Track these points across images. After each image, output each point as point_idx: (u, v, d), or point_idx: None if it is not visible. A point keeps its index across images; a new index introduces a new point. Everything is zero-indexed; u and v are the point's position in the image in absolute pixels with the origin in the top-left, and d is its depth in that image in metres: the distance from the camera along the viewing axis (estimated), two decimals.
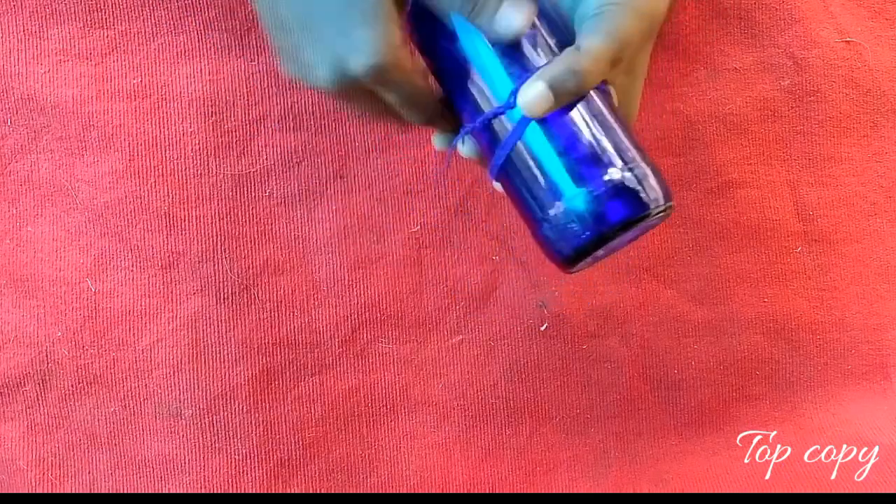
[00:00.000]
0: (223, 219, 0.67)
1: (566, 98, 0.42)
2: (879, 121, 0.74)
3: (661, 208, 0.43)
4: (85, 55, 0.66)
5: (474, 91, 0.44)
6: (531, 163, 0.43)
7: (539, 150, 0.42)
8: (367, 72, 0.40)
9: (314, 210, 0.68)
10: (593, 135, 0.42)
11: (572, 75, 0.41)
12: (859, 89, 0.73)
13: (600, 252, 0.44)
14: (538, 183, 0.43)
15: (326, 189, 0.68)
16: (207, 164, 0.67)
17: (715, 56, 0.71)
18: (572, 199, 0.41)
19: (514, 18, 0.41)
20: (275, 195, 0.68)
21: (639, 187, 0.42)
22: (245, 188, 0.67)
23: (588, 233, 0.41)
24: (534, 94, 0.41)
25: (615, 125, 0.43)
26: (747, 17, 0.71)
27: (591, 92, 0.43)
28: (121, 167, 0.66)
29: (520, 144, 0.43)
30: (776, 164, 0.73)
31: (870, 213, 0.74)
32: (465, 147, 0.47)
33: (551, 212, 0.42)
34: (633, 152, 0.43)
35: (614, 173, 0.42)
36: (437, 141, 0.48)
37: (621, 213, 0.41)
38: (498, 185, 0.47)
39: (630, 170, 0.42)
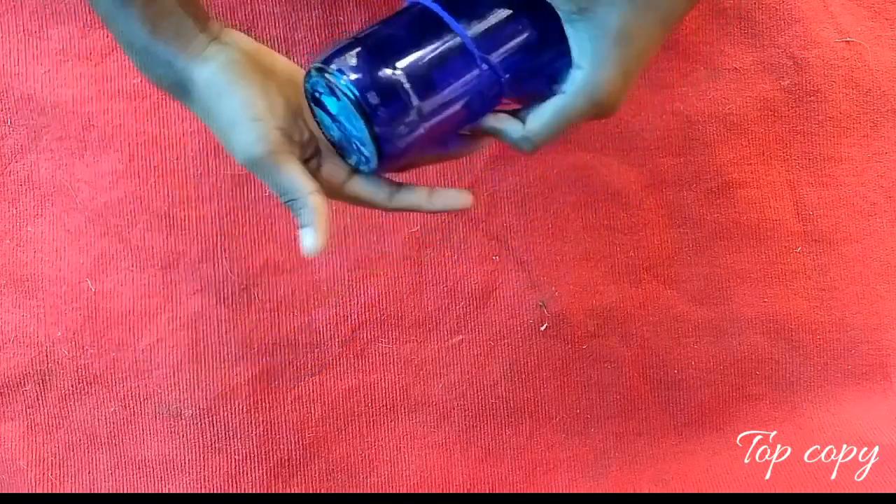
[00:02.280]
0: (223, 219, 0.67)
1: None
2: (879, 121, 0.74)
3: (375, 137, 0.43)
4: (85, 55, 0.66)
5: None
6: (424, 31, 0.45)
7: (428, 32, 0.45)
8: (244, 163, 0.45)
9: None
10: (445, 73, 0.44)
11: None
12: (859, 89, 0.73)
13: (327, 115, 0.46)
14: (396, 29, 0.45)
15: None
16: (207, 164, 0.67)
17: (715, 56, 0.71)
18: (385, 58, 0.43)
19: None
20: (275, 195, 0.68)
21: (399, 106, 0.43)
22: (245, 188, 0.67)
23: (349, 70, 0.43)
24: None
25: (456, 90, 0.45)
26: (747, 17, 0.71)
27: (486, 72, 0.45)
28: (121, 167, 0.66)
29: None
30: (776, 164, 0.73)
31: (870, 213, 0.74)
32: None
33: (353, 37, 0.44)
34: (430, 115, 0.44)
35: (412, 82, 0.43)
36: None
37: (367, 91, 0.42)
38: None
39: (419, 117, 0.43)
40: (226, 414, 0.68)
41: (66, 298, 0.67)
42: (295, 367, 0.69)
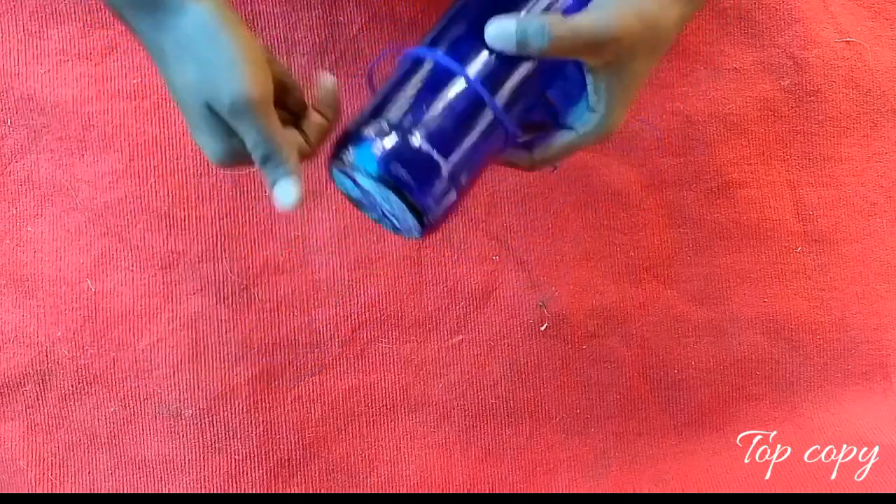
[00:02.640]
0: (223, 219, 0.67)
1: (526, 48, 0.42)
2: (879, 121, 0.74)
3: (415, 210, 0.43)
4: (85, 55, 0.66)
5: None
6: (434, 89, 0.43)
7: (446, 92, 0.43)
8: (233, 105, 0.42)
9: (314, 210, 0.68)
10: (469, 137, 0.43)
11: (542, 34, 0.42)
12: (859, 89, 0.73)
13: (357, 188, 0.45)
14: (405, 93, 0.43)
15: (326, 189, 0.68)
16: (207, 164, 0.67)
17: (715, 56, 0.71)
18: (399, 130, 0.42)
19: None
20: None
21: (431, 184, 0.42)
22: (245, 188, 0.67)
23: (372, 153, 0.42)
24: (500, 29, 0.43)
25: (474, 157, 0.44)
26: (747, 17, 0.71)
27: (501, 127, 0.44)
28: (121, 167, 0.66)
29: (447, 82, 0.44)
30: (776, 164, 0.73)
31: (870, 213, 0.74)
32: None
33: (386, 121, 0.43)
34: (455, 172, 0.43)
35: (440, 162, 0.42)
36: None
37: (397, 172, 0.41)
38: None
39: (451, 182, 0.43)
40: (226, 414, 0.68)
41: (66, 298, 0.67)
42: (295, 367, 0.69)
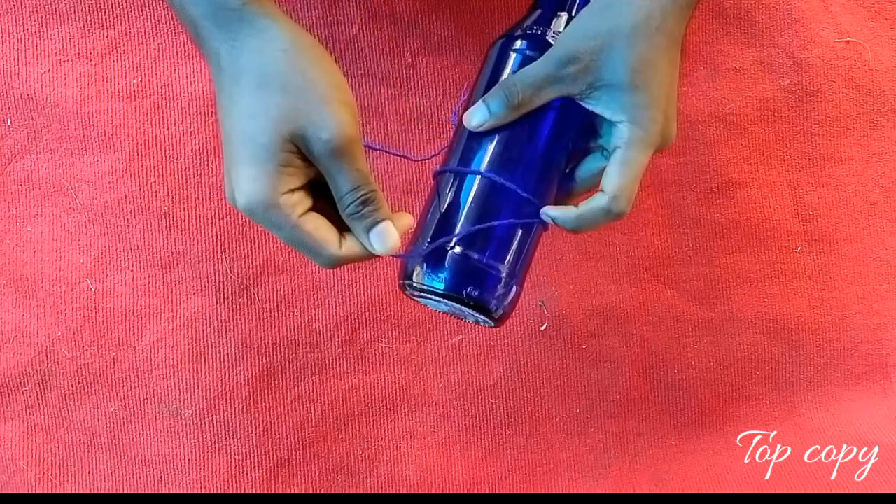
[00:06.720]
0: (223, 219, 0.67)
1: (504, 114, 0.46)
2: (879, 121, 0.74)
3: (485, 312, 0.47)
4: (85, 55, 0.66)
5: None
6: (459, 202, 0.48)
7: (469, 202, 0.47)
8: (245, 210, 0.41)
9: None
10: (504, 234, 0.47)
11: (501, 96, 0.47)
12: (859, 89, 0.73)
13: (435, 302, 0.49)
14: (447, 214, 0.47)
15: None
16: (207, 164, 0.67)
17: (715, 56, 0.71)
18: (441, 249, 0.46)
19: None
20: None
21: (494, 288, 0.47)
22: None
23: (425, 278, 0.46)
24: (475, 114, 0.47)
25: (524, 249, 0.48)
26: (747, 17, 0.71)
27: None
28: (121, 167, 0.66)
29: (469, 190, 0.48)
30: (776, 164, 0.73)
31: (870, 213, 0.74)
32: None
33: (426, 245, 0.47)
34: (512, 269, 0.48)
35: (486, 264, 0.47)
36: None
37: (455, 285, 0.46)
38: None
39: (509, 278, 0.47)
40: (226, 414, 0.68)
41: (66, 298, 0.67)
42: (295, 367, 0.69)
